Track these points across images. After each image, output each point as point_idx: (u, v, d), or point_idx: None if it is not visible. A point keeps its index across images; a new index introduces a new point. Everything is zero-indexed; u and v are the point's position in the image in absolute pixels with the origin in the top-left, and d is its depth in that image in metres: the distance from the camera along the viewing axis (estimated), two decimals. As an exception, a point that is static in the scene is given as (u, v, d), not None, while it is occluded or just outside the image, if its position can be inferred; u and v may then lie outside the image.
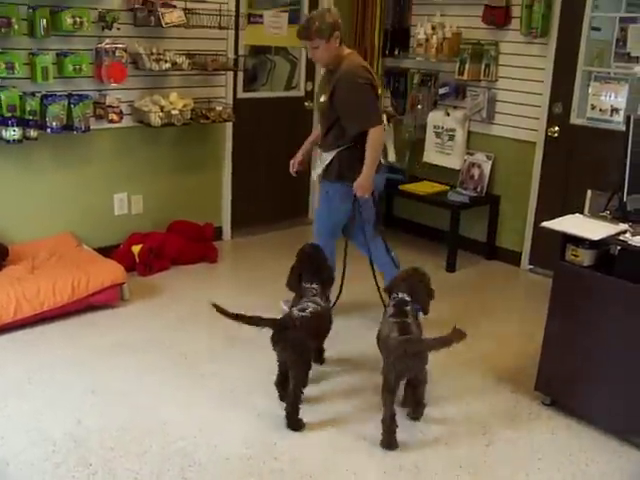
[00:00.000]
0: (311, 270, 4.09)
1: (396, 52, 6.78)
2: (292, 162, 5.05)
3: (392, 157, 6.66)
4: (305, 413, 3.60)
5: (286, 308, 4.35)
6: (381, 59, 6.91)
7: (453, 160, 6.40)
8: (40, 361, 4.10)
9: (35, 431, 3.46)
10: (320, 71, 6.91)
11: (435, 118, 6.47)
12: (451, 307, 5.14)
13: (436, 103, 6.54)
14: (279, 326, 3.57)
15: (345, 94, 4.34)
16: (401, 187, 6.43)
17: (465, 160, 6.31)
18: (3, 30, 4.72)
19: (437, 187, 6.39)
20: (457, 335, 3.43)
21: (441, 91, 6.41)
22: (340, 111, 4.39)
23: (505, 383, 4.14)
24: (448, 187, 6.34)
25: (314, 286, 3.98)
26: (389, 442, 3.42)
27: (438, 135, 6.47)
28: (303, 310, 3.68)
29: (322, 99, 4.49)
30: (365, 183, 4.43)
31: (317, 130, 4.92)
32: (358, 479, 3.21)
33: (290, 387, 3.53)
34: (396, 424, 3.43)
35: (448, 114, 6.36)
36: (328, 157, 4.56)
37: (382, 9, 6.78)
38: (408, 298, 3.80)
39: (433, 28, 6.21)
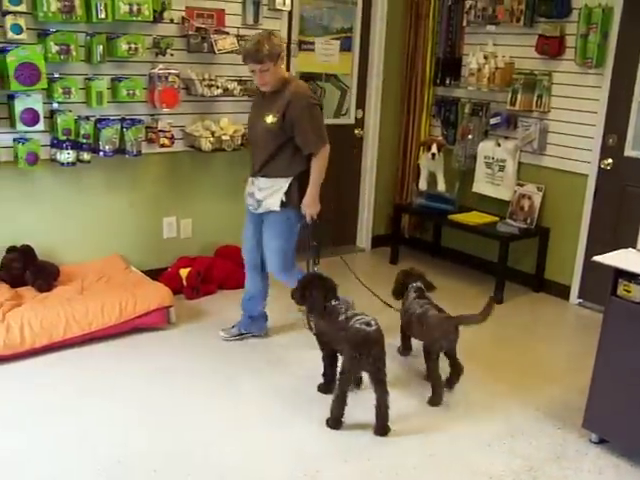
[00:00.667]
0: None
1: (447, 81, 6.75)
2: None
3: (442, 187, 6.65)
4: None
5: (224, 334, 4.90)
6: (432, 88, 6.90)
7: (503, 191, 6.34)
8: (88, 381, 4.14)
9: (82, 450, 3.49)
10: (372, 98, 6.95)
11: (486, 148, 6.42)
12: (497, 339, 5.08)
13: (487, 133, 6.49)
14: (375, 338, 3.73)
15: (300, 114, 4.33)
16: (450, 217, 6.38)
17: (515, 191, 6.25)
18: (62, 57, 4.84)
19: (486, 218, 6.33)
20: (487, 313, 4.21)
21: (492, 121, 6.35)
22: (297, 131, 4.36)
23: (551, 419, 4.05)
24: (497, 218, 6.27)
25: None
26: (438, 401, 4.09)
27: (488, 165, 6.42)
28: (369, 324, 3.79)
29: (269, 120, 4.34)
30: (313, 202, 4.50)
31: None
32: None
33: (379, 395, 3.73)
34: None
35: (499, 144, 6.31)
36: (284, 183, 4.46)
37: (434, 38, 6.79)
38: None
39: (485, 57, 6.18)
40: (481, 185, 6.54)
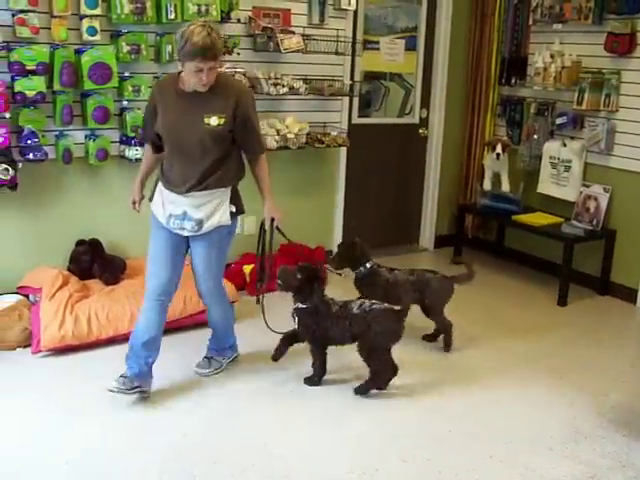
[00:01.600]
0: None
1: (513, 81, 6.69)
2: (133, 201, 4.16)
3: (506, 187, 6.59)
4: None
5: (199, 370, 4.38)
6: (497, 87, 6.85)
7: (568, 192, 6.26)
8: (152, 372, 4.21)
9: (141, 440, 3.57)
10: (437, 97, 6.93)
11: (551, 148, 6.35)
12: (561, 341, 5.03)
13: (552, 133, 6.41)
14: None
15: (251, 111, 3.85)
16: (514, 218, 6.32)
17: (581, 192, 6.16)
18: (133, 56, 4.96)
19: (551, 219, 6.25)
20: (472, 271, 4.96)
21: (558, 121, 6.28)
22: (247, 131, 3.86)
23: (616, 425, 3.95)
24: (562, 219, 6.19)
25: None
26: (450, 343, 4.79)
27: (554, 166, 6.35)
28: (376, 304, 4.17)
29: (213, 122, 3.67)
30: (276, 206, 4.21)
31: (150, 160, 4.10)
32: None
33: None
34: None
35: (565, 145, 6.23)
36: (226, 193, 3.92)
37: (499, 37, 6.74)
38: None
39: (552, 56, 6.11)
40: (546, 186, 6.47)
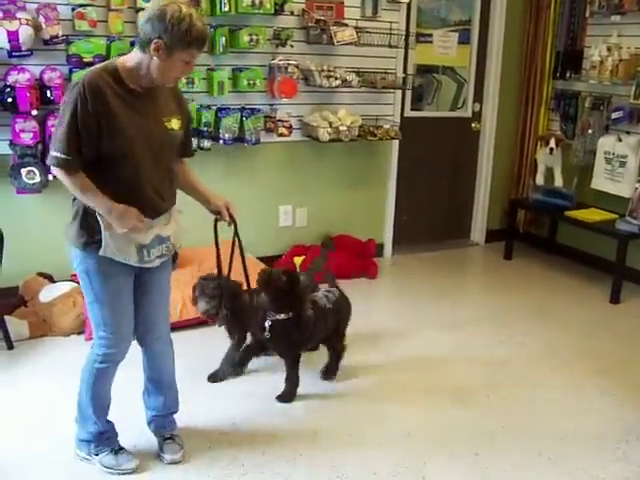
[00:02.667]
0: None
1: (567, 74, 6.57)
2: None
3: (559, 182, 6.50)
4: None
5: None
6: (551, 81, 6.74)
7: (623, 188, 6.13)
8: (200, 360, 4.25)
9: (193, 427, 3.60)
10: (490, 91, 6.87)
11: (606, 143, 6.23)
12: (612, 339, 4.95)
13: (608, 128, 6.29)
14: None
15: (189, 114, 3.30)
16: (567, 213, 6.22)
17: (636, 188, 6.02)
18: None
19: (605, 215, 6.14)
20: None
21: (614, 115, 6.16)
22: (190, 136, 3.38)
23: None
24: (617, 215, 6.07)
25: None
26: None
27: (608, 161, 6.23)
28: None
29: (175, 125, 3.03)
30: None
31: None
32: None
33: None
34: None
35: (620, 140, 6.11)
36: (176, 214, 3.24)
37: (554, 30, 6.62)
38: None
39: (609, 49, 5.99)
40: (600, 181, 6.35)
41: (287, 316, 3.73)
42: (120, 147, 2.82)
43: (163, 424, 3.43)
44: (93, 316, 3.06)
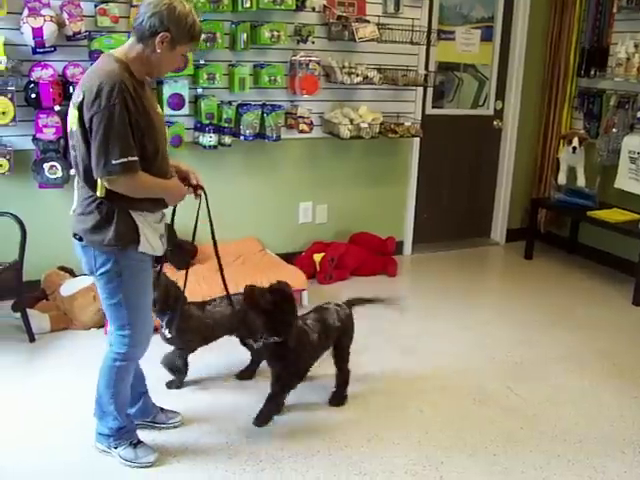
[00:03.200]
0: None
1: (592, 72, 6.51)
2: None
3: (582, 182, 6.45)
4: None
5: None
6: (575, 79, 6.68)
7: (648, 187, 6.09)
8: (230, 356, 4.25)
9: (210, 423, 3.62)
10: (512, 89, 6.83)
11: (631, 143, 6.16)
12: (634, 341, 4.90)
13: (633, 127, 6.22)
14: None
15: None
16: (589, 213, 6.17)
17: (661, 189, 5.99)
18: (208, 44, 5.01)
19: (628, 215, 6.08)
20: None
21: (640, 114, 6.12)
22: None
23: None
24: (640, 216, 6.03)
25: None
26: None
27: (633, 161, 6.16)
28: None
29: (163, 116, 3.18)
30: None
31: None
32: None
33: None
34: None
35: (645, 139, 6.06)
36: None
37: (579, 26, 6.56)
38: None
39: (636, 46, 5.90)
40: (624, 181, 6.29)
41: (279, 340, 3.42)
42: (155, 141, 2.90)
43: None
44: (118, 317, 3.06)
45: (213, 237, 3.39)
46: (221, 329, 3.96)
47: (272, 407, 3.58)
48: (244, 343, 4.13)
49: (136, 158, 2.76)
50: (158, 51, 2.81)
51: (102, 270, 2.95)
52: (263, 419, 3.58)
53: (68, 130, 2.93)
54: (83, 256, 2.99)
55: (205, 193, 3.27)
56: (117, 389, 3.15)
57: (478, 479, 3.25)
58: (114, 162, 2.70)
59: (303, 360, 3.58)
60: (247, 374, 4.11)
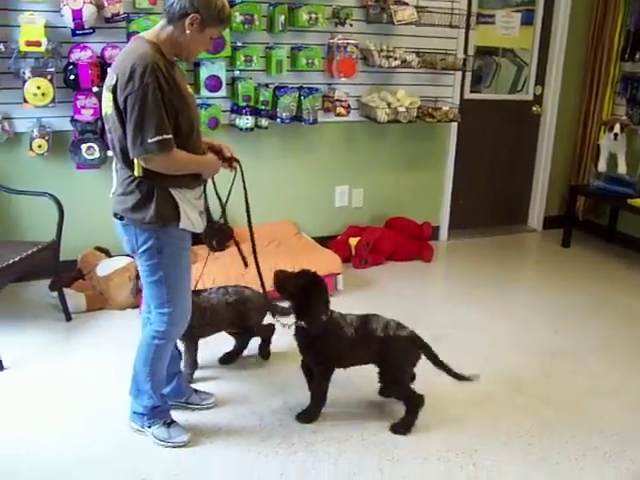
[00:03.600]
0: None
1: (637, 56, 6.36)
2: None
3: (623, 169, 6.35)
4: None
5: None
6: (619, 63, 6.56)
7: (691, 175, 5.97)
8: (253, 340, 4.21)
9: (244, 405, 3.63)
10: (552, 73, 6.74)
11: (675, 130, 6.06)
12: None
13: (678, 113, 6.12)
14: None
15: None
16: (630, 201, 6.06)
17: None
18: (246, 26, 4.98)
19: (670, 203, 5.99)
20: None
21: (685, 101, 5.98)
22: None
23: None
24: (683, 204, 5.92)
25: None
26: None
27: (676, 148, 6.07)
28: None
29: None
30: None
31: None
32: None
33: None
34: None
35: (690, 126, 5.94)
36: None
37: (625, 8, 6.41)
38: None
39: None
40: (667, 168, 6.19)
41: (304, 325, 3.38)
42: (190, 119, 2.92)
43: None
44: (158, 295, 3.07)
45: (247, 210, 3.37)
46: (217, 317, 3.87)
47: (312, 403, 3.53)
48: (230, 332, 4.07)
49: (171, 136, 2.77)
50: (187, 32, 2.82)
51: (143, 247, 2.97)
52: (305, 416, 3.52)
53: (103, 114, 2.95)
54: (124, 235, 3.02)
55: (240, 165, 3.26)
56: (154, 367, 3.17)
57: (512, 468, 3.22)
58: (150, 141, 2.72)
59: (332, 351, 3.43)
60: (230, 359, 4.06)
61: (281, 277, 3.39)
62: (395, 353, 3.46)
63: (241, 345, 4.11)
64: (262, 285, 3.55)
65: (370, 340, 3.44)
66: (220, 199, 3.36)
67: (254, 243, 3.51)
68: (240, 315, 3.92)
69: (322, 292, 3.40)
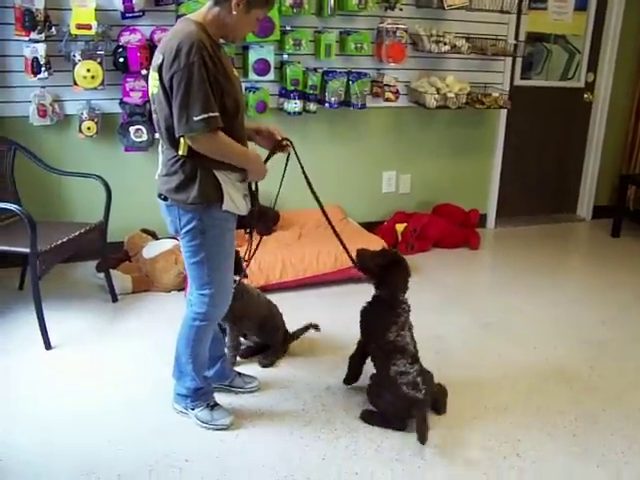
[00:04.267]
0: None
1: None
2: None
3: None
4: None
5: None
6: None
7: None
8: (299, 323, 4.19)
9: (287, 389, 3.64)
10: (605, 60, 6.61)
11: None
12: None
13: None
14: None
15: None
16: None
17: None
18: (295, 10, 4.97)
19: None
20: None
21: None
22: None
23: None
24: None
25: None
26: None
27: None
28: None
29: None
30: None
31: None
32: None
33: None
34: None
35: None
36: None
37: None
38: None
39: None
40: None
41: (381, 294, 3.40)
42: (235, 100, 2.89)
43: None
44: (200, 276, 3.08)
45: (310, 186, 3.45)
46: (257, 308, 3.88)
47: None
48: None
49: (217, 114, 2.76)
50: (234, 13, 2.81)
51: (187, 228, 2.97)
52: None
53: (149, 94, 2.96)
54: (168, 215, 3.03)
55: (293, 147, 3.29)
56: (195, 349, 3.19)
57: (556, 459, 3.17)
58: (196, 118, 2.71)
59: (384, 325, 3.34)
60: (248, 353, 4.00)
61: (362, 255, 3.42)
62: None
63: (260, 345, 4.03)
64: (352, 260, 3.50)
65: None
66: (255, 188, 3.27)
67: (328, 219, 3.57)
68: (271, 317, 3.92)
69: (402, 270, 3.39)
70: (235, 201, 3.00)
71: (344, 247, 3.50)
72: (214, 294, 3.10)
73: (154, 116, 2.95)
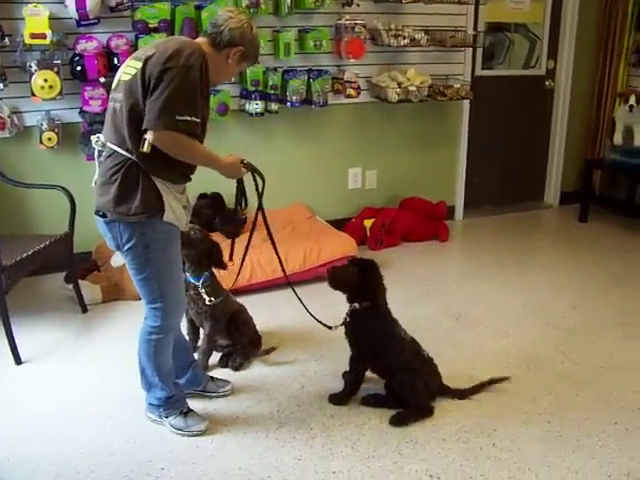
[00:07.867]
0: None
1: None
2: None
3: (639, 141, 6.26)
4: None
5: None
6: (633, 34, 6.47)
7: None
8: (269, 324, 4.25)
9: (261, 391, 3.62)
10: (565, 47, 6.66)
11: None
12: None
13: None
14: None
15: None
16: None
17: None
18: (252, 10, 4.94)
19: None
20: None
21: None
22: None
23: None
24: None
25: None
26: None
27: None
28: None
29: None
30: None
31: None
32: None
33: None
34: None
35: None
36: None
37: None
38: None
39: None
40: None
41: (364, 305, 3.38)
42: (203, 118, 2.91)
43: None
44: (149, 291, 3.05)
45: (259, 197, 3.45)
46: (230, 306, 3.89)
47: (345, 386, 3.53)
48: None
49: (199, 120, 2.80)
50: (229, 62, 2.96)
51: (129, 244, 2.92)
52: (335, 399, 3.51)
53: (114, 84, 2.92)
54: (108, 232, 2.96)
55: (252, 167, 3.34)
56: (158, 361, 3.16)
57: (532, 446, 3.19)
58: (179, 118, 2.72)
59: (380, 326, 3.40)
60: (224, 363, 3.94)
61: (335, 271, 3.41)
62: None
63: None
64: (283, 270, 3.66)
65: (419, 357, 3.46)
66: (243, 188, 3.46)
67: (269, 229, 3.64)
68: (241, 312, 3.92)
69: (380, 275, 3.41)
70: (176, 212, 2.96)
71: (278, 257, 3.74)
72: (166, 307, 3.07)
73: (111, 105, 2.89)
